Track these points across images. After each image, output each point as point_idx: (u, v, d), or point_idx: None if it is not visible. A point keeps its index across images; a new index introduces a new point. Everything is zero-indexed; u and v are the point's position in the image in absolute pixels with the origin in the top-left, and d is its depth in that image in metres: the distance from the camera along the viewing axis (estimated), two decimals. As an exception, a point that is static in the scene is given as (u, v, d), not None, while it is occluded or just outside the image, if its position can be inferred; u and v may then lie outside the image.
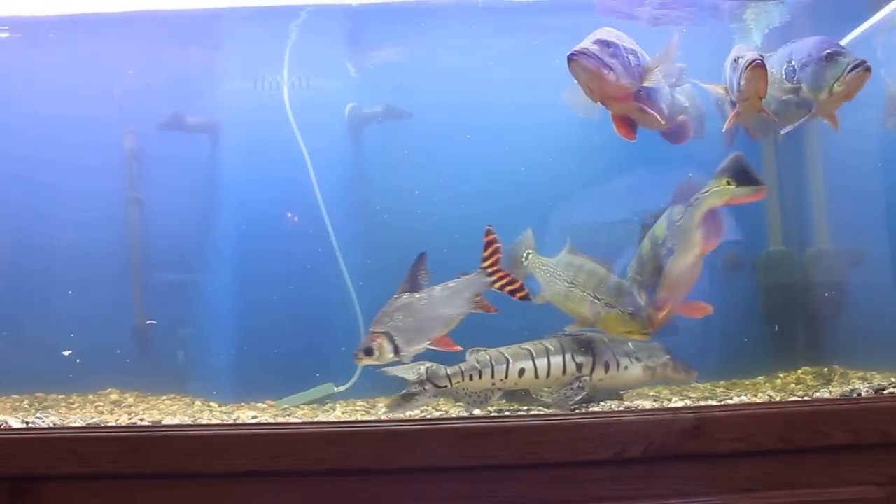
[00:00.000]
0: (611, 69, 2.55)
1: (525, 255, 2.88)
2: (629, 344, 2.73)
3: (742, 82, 2.62)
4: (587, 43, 2.56)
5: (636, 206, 3.22)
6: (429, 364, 2.61)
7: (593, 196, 3.24)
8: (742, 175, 2.64)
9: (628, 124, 2.70)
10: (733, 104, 2.74)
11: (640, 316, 2.68)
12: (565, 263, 2.80)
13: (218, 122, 3.25)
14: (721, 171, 2.65)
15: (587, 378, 2.65)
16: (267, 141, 3.20)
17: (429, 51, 3.25)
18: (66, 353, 3.10)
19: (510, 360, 2.65)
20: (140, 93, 3.21)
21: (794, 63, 2.71)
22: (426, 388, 2.59)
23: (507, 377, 2.64)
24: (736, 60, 2.67)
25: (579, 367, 2.66)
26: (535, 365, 2.66)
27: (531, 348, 2.68)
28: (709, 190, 2.65)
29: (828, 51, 2.63)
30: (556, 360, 2.67)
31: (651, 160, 3.03)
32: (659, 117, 2.68)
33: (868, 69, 2.57)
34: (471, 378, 2.63)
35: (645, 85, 2.65)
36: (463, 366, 2.63)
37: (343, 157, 3.29)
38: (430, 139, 3.21)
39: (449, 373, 2.61)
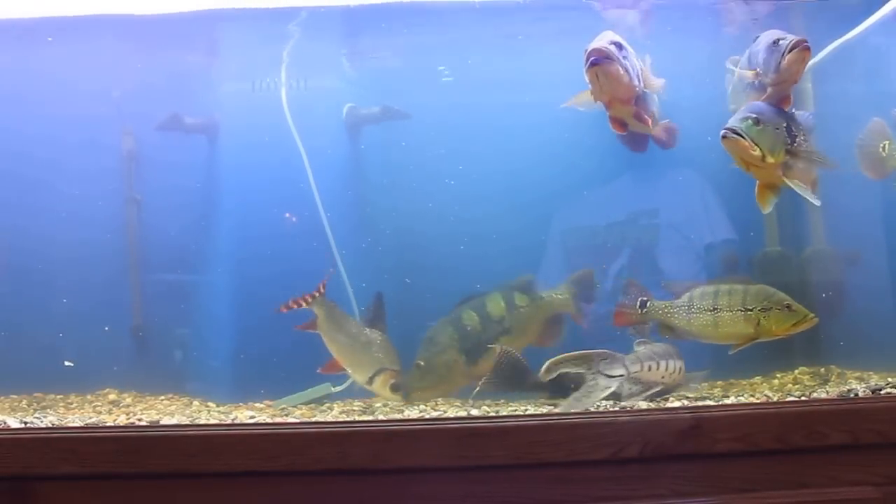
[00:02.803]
0: (625, 70, 2.59)
1: (639, 303, 2.80)
2: None
3: (783, 62, 2.62)
4: (604, 43, 2.58)
5: (632, 208, 3.24)
6: (601, 353, 2.60)
7: (591, 197, 3.25)
8: (585, 288, 2.97)
9: (621, 123, 2.77)
10: (762, 87, 2.75)
11: (797, 306, 2.68)
12: (698, 296, 2.75)
13: (216, 122, 3.25)
14: (571, 281, 2.98)
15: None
16: (265, 142, 3.21)
17: (427, 51, 3.25)
18: (69, 363, 3.10)
19: (675, 356, 2.67)
20: (138, 93, 3.21)
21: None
22: (598, 380, 2.56)
23: (676, 372, 2.66)
24: (776, 42, 2.66)
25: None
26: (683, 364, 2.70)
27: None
28: (563, 294, 2.94)
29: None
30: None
31: (645, 160, 3.03)
32: (650, 123, 2.76)
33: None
34: (649, 369, 2.61)
35: (645, 90, 2.70)
36: (640, 356, 2.63)
37: (341, 158, 3.29)
38: (428, 140, 3.21)
39: (627, 363, 2.59)
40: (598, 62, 2.55)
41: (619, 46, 2.61)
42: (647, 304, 2.79)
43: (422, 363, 2.90)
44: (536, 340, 2.98)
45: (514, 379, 2.78)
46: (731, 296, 2.71)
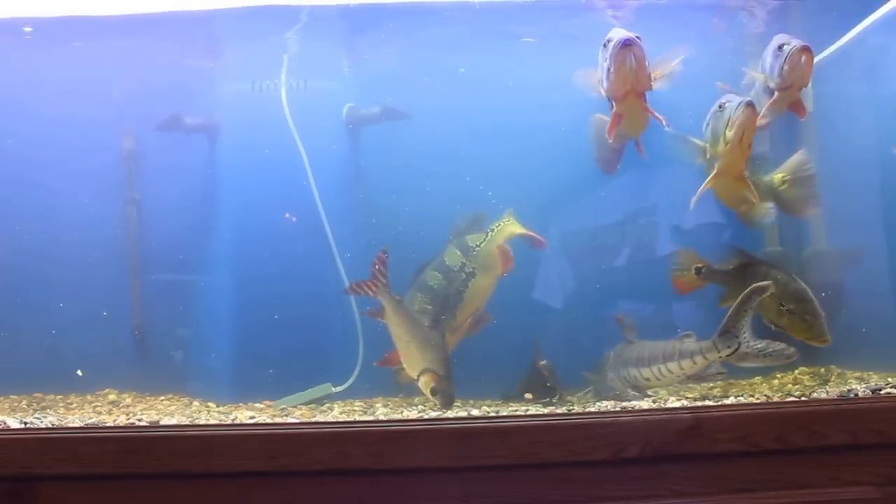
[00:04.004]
0: (647, 62, 2.59)
1: (695, 269, 2.92)
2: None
3: (786, 67, 2.65)
4: (627, 34, 2.58)
5: (630, 209, 3.24)
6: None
7: (590, 198, 3.25)
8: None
9: (617, 126, 2.74)
10: (771, 92, 2.75)
11: (818, 325, 2.75)
12: (751, 274, 2.83)
13: (216, 123, 3.25)
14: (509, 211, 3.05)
15: None
16: (265, 142, 3.20)
17: (426, 52, 3.25)
18: (80, 373, 3.10)
19: None
20: (138, 94, 3.21)
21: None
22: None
23: None
24: (780, 47, 2.68)
25: None
26: None
27: None
28: (509, 220, 3.04)
29: (719, 101, 2.73)
30: None
31: (643, 162, 3.02)
32: (664, 122, 2.72)
33: (749, 104, 2.62)
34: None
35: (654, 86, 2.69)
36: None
37: (341, 158, 3.29)
38: (427, 140, 3.21)
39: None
40: (631, 42, 2.55)
41: (639, 38, 2.61)
42: (703, 270, 2.89)
43: None
44: (504, 270, 3.02)
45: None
46: (776, 284, 2.76)
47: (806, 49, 2.63)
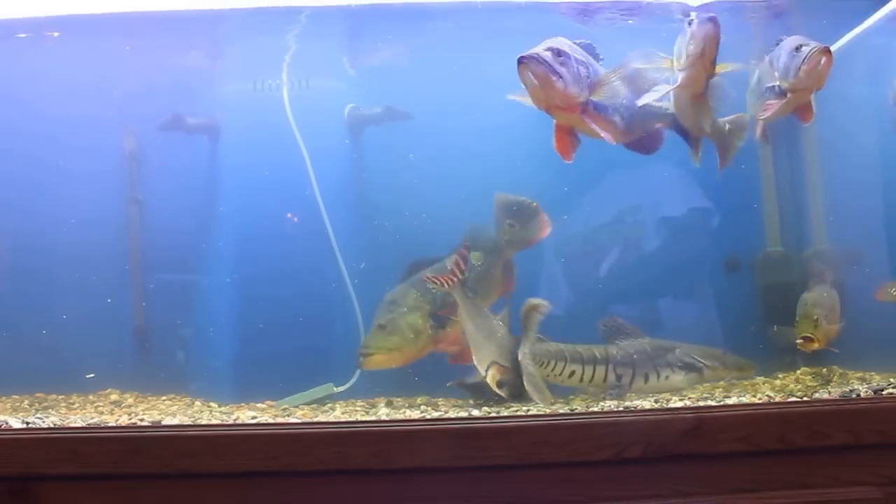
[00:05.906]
0: (559, 77, 2.50)
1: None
2: (676, 352, 2.85)
3: (804, 68, 2.61)
4: (539, 49, 2.53)
5: (628, 209, 3.24)
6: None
7: (590, 198, 3.25)
8: (520, 214, 2.98)
9: (569, 141, 2.65)
10: (782, 93, 2.73)
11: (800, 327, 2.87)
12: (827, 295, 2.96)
13: (218, 123, 3.25)
14: (499, 219, 2.99)
15: (626, 387, 2.78)
16: (267, 142, 3.21)
17: (428, 52, 3.25)
18: (90, 375, 3.11)
19: (568, 359, 2.78)
20: (140, 94, 3.21)
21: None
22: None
23: (560, 374, 2.77)
24: (798, 48, 2.65)
25: (619, 377, 2.79)
26: (584, 369, 2.79)
27: (584, 353, 2.80)
28: (503, 240, 2.99)
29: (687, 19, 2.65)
30: (601, 370, 2.79)
31: (641, 161, 3.01)
32: (604, 134, 2.61)
33: (711, 19, 2.54)
34: (541, 365, 2.74)
35: (594, 99, 2.59)
36: (537, 350, 2.73)
37: (342, 158, 3.29)
38: (429, 140, 3.21)
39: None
40: (523, 60, 2.48)
41: (558, 52, 2.52)
42: None
43: (383, 324, 2.88)
44: (503, 290, 3.02)
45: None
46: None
47: (826, 51, 2.60)
